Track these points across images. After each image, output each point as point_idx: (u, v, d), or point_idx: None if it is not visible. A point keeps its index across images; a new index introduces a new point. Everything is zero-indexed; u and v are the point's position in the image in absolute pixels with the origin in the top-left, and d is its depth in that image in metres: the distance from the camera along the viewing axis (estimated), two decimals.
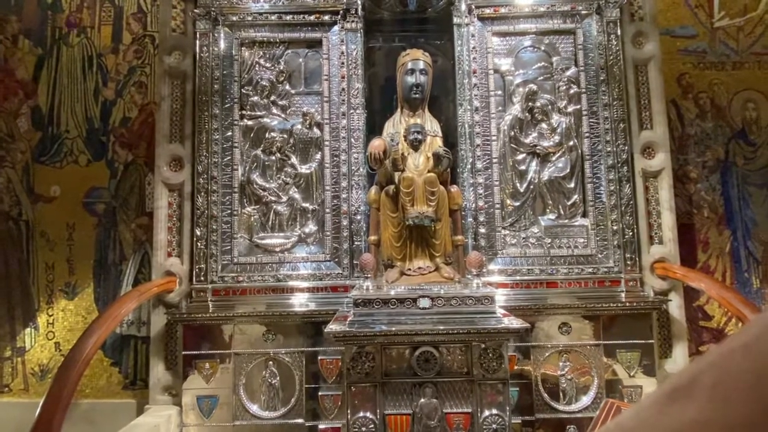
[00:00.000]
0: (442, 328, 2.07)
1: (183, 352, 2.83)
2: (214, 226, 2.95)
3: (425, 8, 3.14)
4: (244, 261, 2.97)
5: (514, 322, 2.12)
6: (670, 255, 2.90)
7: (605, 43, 3.02)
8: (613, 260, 2.92)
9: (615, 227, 2.93)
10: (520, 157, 3.05)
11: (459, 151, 3.01)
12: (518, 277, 2.91)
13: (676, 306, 2.87)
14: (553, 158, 3.03)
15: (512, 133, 3.05)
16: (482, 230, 2.96)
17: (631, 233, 2.91)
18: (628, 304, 2.80)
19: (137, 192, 3.21)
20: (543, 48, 3.12)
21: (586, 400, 2.70)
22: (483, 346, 2.11)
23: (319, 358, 2.70)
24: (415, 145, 2.62)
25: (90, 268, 3.18)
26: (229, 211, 3.00)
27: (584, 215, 3.01)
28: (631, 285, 2.87)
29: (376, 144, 2.43)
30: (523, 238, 3.00)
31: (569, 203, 3.00)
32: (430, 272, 2.50)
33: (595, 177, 3.00)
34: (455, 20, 3.04)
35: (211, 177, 2.98)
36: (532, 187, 3.03)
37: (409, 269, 2.52)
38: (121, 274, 3.17)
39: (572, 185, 3.01)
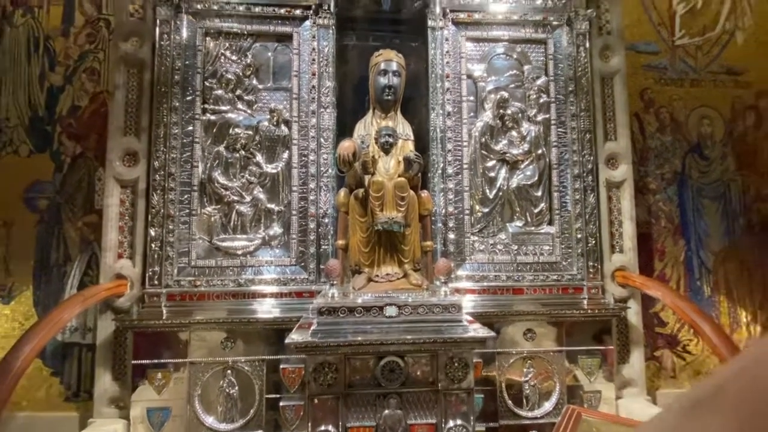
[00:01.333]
0: (408, 337, 2.02)
1: (132, 361, 2.64)
2: (170, 227, 2.77)
3: (400, 9, 3.08)
4: (203, 264, 2.80)
5: (481, 331, 2.11)
6: (629, 263, 2.99)
7: (574, 54, 3.08)
8: (577, 267, 2.97)
9: (579, 235, 2.99)
10: (490, 163, 3.05)
11: (430, 156, 2.98)
12: (486, 284, 2.91)
13: (634, 313, 2.96)
14: (522, 166, 3.06)
15: (483, 139, 3.05)
16: (451, 236, 2.94)
17: (594, 242, 2.98)
18: (590, 311, 2.86)
19: (85, 187, 2.96)
20: (515, 56, 3.14)
21: (548, 405, 2.73)
22: (449, 355, 2.08)
23: (281, 366, 2.59)
24: (386, 149, 2.56)
25: (29, 270, 2.91)
26: (187, 211, 2.82)
27: (550, 223, 3.06)
28: (593, 292, 2.93)
29: (346, 145, 2.35)
30: (491, 244, 3.01)
31: (536, 211, 3.04)
32: (398, 279, 2.45)
33: (562, 186, 3.05)
34: (430, 23, 3.01)
35: (169, 174, 2.80)
36: (501, 194, 3.04)
37: (377, 275, 2.46)
38: (65, 276, 2.91)
39: (539, 193, 3.05)
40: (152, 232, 2.75)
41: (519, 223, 3.04)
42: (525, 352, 2.79)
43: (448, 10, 3.03)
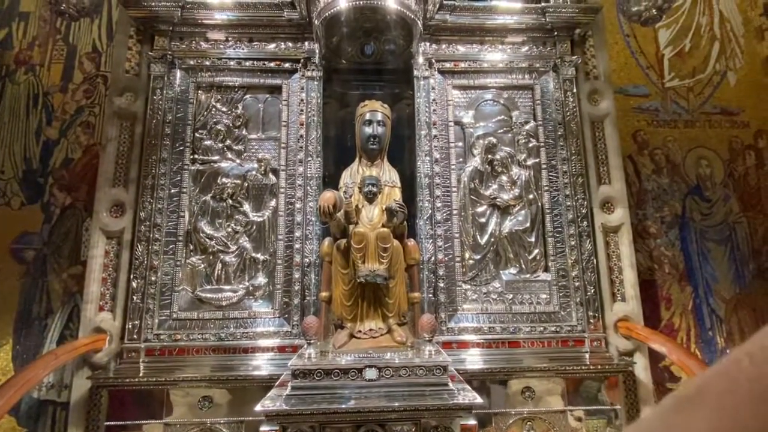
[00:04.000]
0: (388, 404, 1.87)
1: (106, 423, 2.51)
2: (153, 278, 2.72)
3: (385, 60, 3.14)
4: (184, 317, 2.72)
5: (469, 396, 1.95)
6: (633, 313, 2.81)
7: (562, 99, 3.08)
8: (576, 318, 2.81)
9: (577, 283, 2.85)
10: (480, 209, 2.98)
11: (418, 202, 2.93)
12: (479, 337, 2.75)
13: (642, 368, 2.75)
14: (514, 211, 2.98)
15: (472, 184, 3.00)
16: (442, 284, 2.82)
17: (593, 290, 2.82)
18: (592, 366, 2.66)
19: (72, 238, 2.96)
20: (502, 102, 3.15)
21: None
22: (433, 423, 1.91)
23: (261, 429, 2.42)
24: (370, 198, 2.52)
25: (10, 322, 2.86)
26: (171, 262, 2.78)
27: (546, 270, 2.93)
28: (596, 345, 2.75)
29: (326, 197, 2.30)
30: (484, 293, 2.87)
31: (530, 257, 2.92)
32: (381, 335, 2.32)
33: (556, 231, 2.94)
34: (415, 73, 3.05)
35: (155, 224, 2.78)
36: (492, 240, 2.94)
37: (360, 331, 2.34)
38: (46, 329, 2.85)
39: (533, 239, 2.95)
40: (134, 284, 2.70)
41: (513, 271, 2.92)
42: (525, 412, 2.59)
43: (433, 60, 3.08)
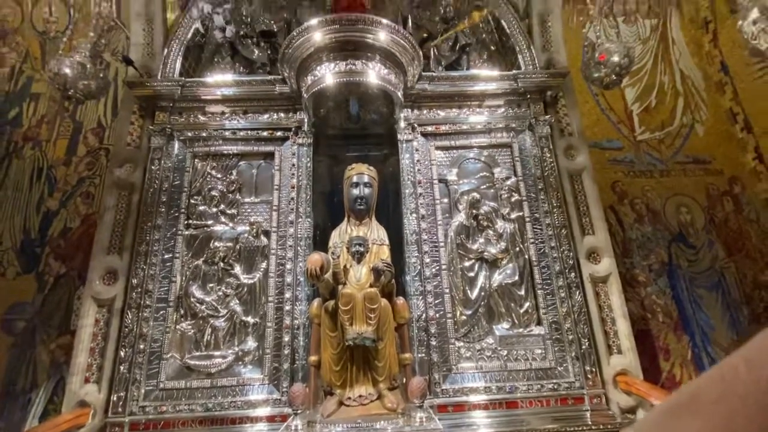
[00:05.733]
0: None
1: None
2: (141, 346, 2.69)
3: (370, 126, 3.35)
4: (172, 386, 2.65)
5: None
6: (630, 366, 2.75)
7: (540, 155, 3.24)
8: (573, 373, 2.74)
9: (571, 336, 2.81)
10: (468, 263, 3.02)
11: (407, 258, 2.97)
12: (476, 398, 2.66)
13: None
14: (502, 264, 3.02)
15: (459, 239, 3.06)
16: (434, 343, 2.78)
17: (587, 342, 2.78)
18: (594, 426, 2.55)
19: (64, 308, 2.97)
20: (483, 159, 3.31)
21: None
22: None
23: None
24: (358, 257, 2.57)
25: None
26: (161, 328, 2.77)
27: (539, 323, 2.90)
28: (596, 402, 2.66)
29: (314, 259, 2.36)
30: (478, 350, 2.83)
31: (522, 311, 2.92)
32: (372, 401, 2.27)
33: (545, 283, 2.96)
34: (399, 137, 3.24)
35: (146, 290, 2.81)
36: (483, 294, 2.95)
37: (349, 398, 2.28)
38: (29, 404, 2.76)
39: (523, 292, 2.96)
40: (122, 353, 2.66)
41: (506, 325, 2.90)
42: None
43: (416, 124, 3.28)
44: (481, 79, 3.37)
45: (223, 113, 3.30)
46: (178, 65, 3.38)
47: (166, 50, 3.37)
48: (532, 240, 3.06)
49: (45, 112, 3.44)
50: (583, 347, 2.77)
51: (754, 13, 1.64)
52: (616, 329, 2.85)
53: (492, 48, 3.81)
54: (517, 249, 3.05)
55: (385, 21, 2.75)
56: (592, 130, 3.50)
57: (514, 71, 3.38)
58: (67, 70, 2.51)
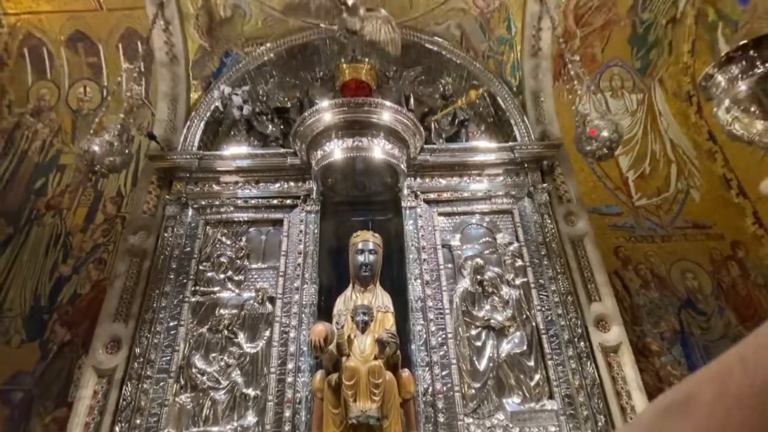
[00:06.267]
0: None
1: None
2: (137, 421, 2.60)
3: (375, 193, 3.50)
4: None
5: None
6: None
7: (540, 221, 3.32)
8: None
9: (585, 412, 2.68)
10: (474, 331, 2.98)
11: (412, 326, 2.94)
12: None
13: None
14: (509, 332, 2.97)
15: (464, 306, 3.05)
16: (441, 419, 2.66)
17: (603, 419, 2.64)
18: None
19: (64, 377, 2.92)
20: (486, 225, 3.39)
21: None
22: None
23: None
24: (362, 327, 2.56)
25: None
26: (159, 401, 2.69)
27: (551, 397, 2.78)
28: None
29: (318, 330, 2.35)
30: (489, 427, 2.69)
31: (533, 383, 2.81)
32: None
33: (555, 353, 2.88)
34: (403, 203, 3.37)
35: (148, 360, 2.77)
36: (492, 365, 2.87)
37: None
38: None
39: (532, 362, 2.87)
40: (117, 428, 2.57)
41: (516, 399, 2.78)
42: None
43: (419, 192, 3.42)
44: (480, 151, 3.57)
45: (236, 183, 3.48)
46: (197, 139, 3.64)
47: (187, 126, 3.65)
48: (538, 307, 3.03)
49: (69, 182, 3.66)
50: (599, 424, 2.63)
51: (726, 103, 1.80)
52: (633, 404, 2.71)
53: (489, 120, 4.08)
54: (524, 316, 3.01)
55: (388, 103, 3.01)
56: (590, 196, 3.62)
57: (510, 143, 3.59)
58: (96, 148, 2.72)
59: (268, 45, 4.12)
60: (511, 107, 3.86)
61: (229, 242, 3.30)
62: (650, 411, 0.35)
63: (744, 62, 1.75)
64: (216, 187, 3.46)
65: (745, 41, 1.75)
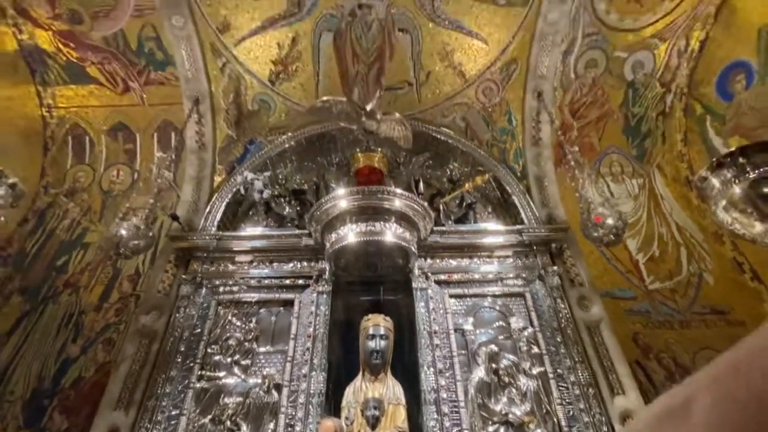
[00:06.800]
0: None
1: None
2: None
3: (387, 274, 3.54)
4: None
5: None
6: None
7: (554, 305, 3.28)
8: None
9: None
10: (492, 428, 2.79)
11: (425, 421, 2.77)
12: None
13: None
14: (529, 429, 2.77)
15: (480, 398, 2.90)
16: None
17: None
18: None
19: None
20: (498, 308, 3.35)
21: None
22: None
23: None
24: (373, 423, 2.44)
25: None
26: None
27: None
28: None
29: (326, 426, 2.25)
30: None
31: None
32: None
33: None
34: (414, 285, 3.38)
35: None
36: None
37: None
38: None
39: None
40: None
41: None
42: None
43: (429, 273, 3.46)
44: (489, 233, 3.67)
45: (251, 262, 3.57)
46: (217, 219, 3.82)
47: (209, 208, 3.86)
48: (558, 401, 2.87)
49: (91, 259, 3.79)
50: None
51: (723, 203, 1.89)
52: None
53: (495, 202, 4.24)
54: (544, 411, 2.84)
55: (399, 190, 3.19)
56: (601, 279, 3.61)
57: (518, 226, 3.69)
58: (124, 232, 2.87)
59: (289, 134, 4.50)
60: (516, 191, 4.04)
61: (239, 323, 3.28)
62: (646, 417, 0.34)
63: (735, 167, 1.87)
64: (231, 267, 3.54)
65: (733, 149, 1.89)
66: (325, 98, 3.86)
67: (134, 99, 4.31)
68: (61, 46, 4.08)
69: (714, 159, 1.93)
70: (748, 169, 1.83)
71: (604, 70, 4.12)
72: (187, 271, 3.49)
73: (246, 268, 3.55)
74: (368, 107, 3.29)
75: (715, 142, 4.01)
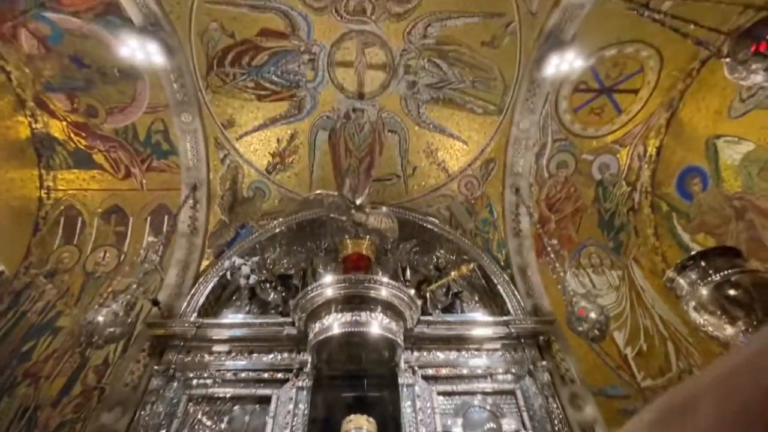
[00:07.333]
0: None
1: None
2: None
3: (371, 368, 3.39)
4: None
5: None
6: None
7: (545, 405, 3.13)
8: None
9: None
10: None
11: None
12: None
13: None
14: None
15: None
16: None
17: None
18: None
19: None
20: (489, 407, 3.18)
21: None
22: None
23: None
24: None
25: None
26: None
27: None
28: None
29: None
30: None
31: None
32: None
33: None
34: (400, 380, 3.23)
35: None
36: None
37: None
38: None
39: None
40: None
41: None
42: None
43: (416, 367, 3.33)
44: (476, 324, 3.64)
45: (229, 352, 3.41)
46: (199, 304, 3.74)
47: (192, 292, 3.80)
48: None
49: (59, 346, 3.57)
50: None
51: (693, 305, 1.97)
52: None
53: (481, 291, 4.27)
54: None
55: (385, 279, 3.23)
56: (592, 376, 3.50)
57: (505, 317, 3.68)
58: (101, 319, 2.78)
59: (280, 219, 4.65)
60: (501, 280, 4.11)
61: (209, 423, 3.02)
62: (646, 418, 0.32)
63: (698, 269, 1.99)
64: (207, 357, 3.37)
65: (694, 252, 2.04)
66: (317, 192, 4.10)
67: (134, 184, 4.50)
68: (72, 135, 4.36)
69: (678, 262, 2.07)
70: (710, 272, 1.96)
71: (574, 170, 4.52)
72: (160, 361, 3.30)
73: (223, 359, 3.38)
74: (358, 201, 3.50)
75: (684, 237, 4.26)
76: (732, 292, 1.87)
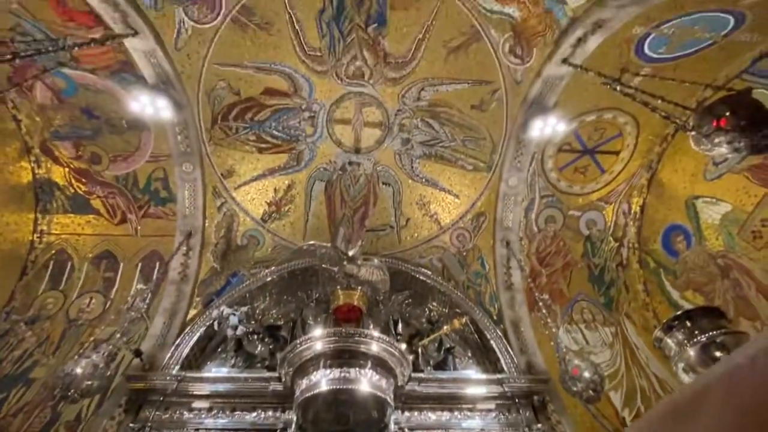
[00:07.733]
0: None
1: None
2: None
3: (359, 429, 3.23)
4: None
5: None
6: None
7: None
8: None
9: None
10: None
11: None
12: None
13: None
14: None
15: None
16: None
17: None
18: None
19: None
20: None
21: None
22: None
23: None
24: None
25: None
26: None
27: None
28: None
29: None
30: None
31: None
32: None
33: None
34: None
35: None
36: None
37: None
38: None
39: None
40: None
41: None
42: None
43: (407, 429, 3.18)
44: (469, 382, 3.53)
45: (210, 409, 3.25)
46: (183, 355, 3.61)
47: (176, 343, 3.69)
48: None
49: (30, 398, 3.38)
50: None
51: (682, 366, 1.97)
52: None
53: (474, 346, 4.19)
54: None
55: (376, 334, 3.19)
56: None
57: (498, 375, 3.59)
58: (79, 370, 2.67)
59: (272, 268, 4.64)
60: (494, 336, 4.05)
61: None
62: (654, 415, 0.34)
63: (684, 330, 2.02)
64: (186, 415, 3.20)
65: (679, 312, 2.07)
66: (311, 242, 4.16)
67: (128, 230, 4.52)
68: (73, 181, 4.45)
69: (664, 321, 2.09)
70: (696, 332, 1.98)
71: (562, 225, 4.64)
72: (136, 418, 3.13)
73: (203, 416, 3.21)
74: (350, 253, 3.55)
75: (674, 294, 4.29)
76: (719, 354, 1.88)
